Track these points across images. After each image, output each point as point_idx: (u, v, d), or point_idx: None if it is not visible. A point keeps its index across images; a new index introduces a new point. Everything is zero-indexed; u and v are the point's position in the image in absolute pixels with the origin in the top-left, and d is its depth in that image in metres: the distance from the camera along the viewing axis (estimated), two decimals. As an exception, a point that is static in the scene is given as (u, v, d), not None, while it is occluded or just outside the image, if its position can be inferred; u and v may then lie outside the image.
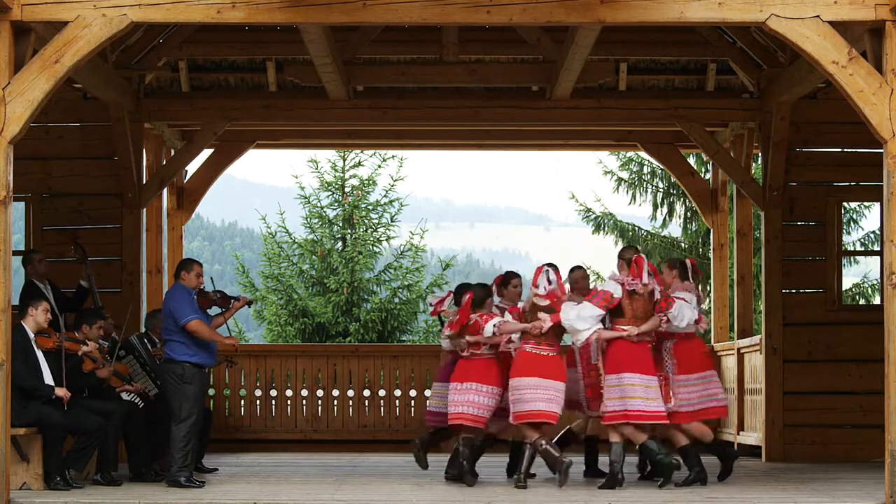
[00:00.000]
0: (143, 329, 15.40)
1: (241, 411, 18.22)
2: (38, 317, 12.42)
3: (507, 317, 12.71)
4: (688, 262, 13.20)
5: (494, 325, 12.60)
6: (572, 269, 13.73)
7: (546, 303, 12.50)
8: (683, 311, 12.68)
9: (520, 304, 12.93)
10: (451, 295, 13.36)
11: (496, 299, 13.27)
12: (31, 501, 11.19)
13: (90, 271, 14.87)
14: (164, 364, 12.75)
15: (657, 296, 12.68)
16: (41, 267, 14.43)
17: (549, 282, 12.54)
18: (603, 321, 12.57)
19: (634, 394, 12.43)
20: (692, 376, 12.87)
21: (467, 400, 12.72)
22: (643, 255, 12.82)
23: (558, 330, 12.50)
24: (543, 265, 12.75)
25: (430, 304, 13.64)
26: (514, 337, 12.63)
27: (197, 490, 12.16)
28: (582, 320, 12.35)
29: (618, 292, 12.52)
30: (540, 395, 12.36)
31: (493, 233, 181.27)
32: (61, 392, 12.21)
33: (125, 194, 16.24)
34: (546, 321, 12.38)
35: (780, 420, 16.21)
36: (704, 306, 13.83)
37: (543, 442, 12.41)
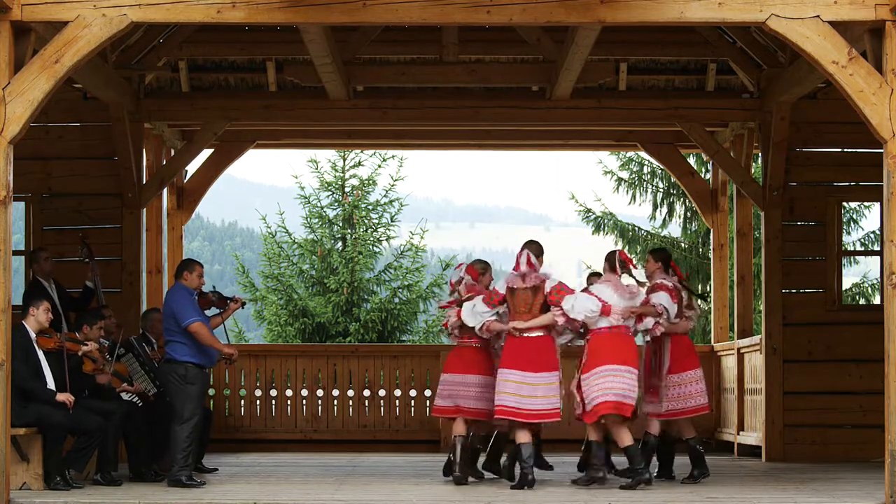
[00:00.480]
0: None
1: (241, 411, 18.22)
2: (39, 316, 12.41)
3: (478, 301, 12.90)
4: (618, 253, 12.91)
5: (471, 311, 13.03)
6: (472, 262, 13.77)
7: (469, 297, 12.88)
8: (583, 304, 12.49)
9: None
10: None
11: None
12: (31, 501, 11.19)
13: (96, 272, 14.85)
14: (165, 364, 12.75)
15: (548, 288, 12.54)
16: (47, 265, 14.43)
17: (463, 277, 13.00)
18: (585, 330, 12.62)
19: (517, 391, 12.45)
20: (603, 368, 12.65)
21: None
22: (527, 248, 12.72)
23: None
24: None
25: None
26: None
27: (197, 490, 12.16)
28: (472, 316, 12.73)
29: (503, 289, 12.65)
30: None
31: (493, 233, 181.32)
32: (63, 397, 12.20)
33: (125, 194, 16.24)
34: (451, 317, 12.90)
35: (780, 420, 16.21)
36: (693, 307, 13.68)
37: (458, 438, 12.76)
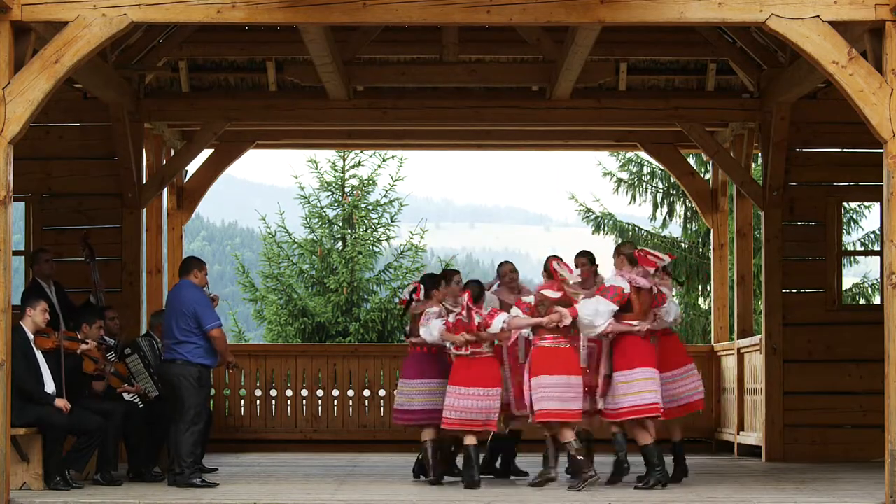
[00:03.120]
0: (144, 329, 15.43)
1: (241, 411, 18.22)
2: (36, 317, 12.41)
3: (515, 311, 12.65)
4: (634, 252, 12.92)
5: (504, 321, 12.56)
6: (501, 264, 13.72)
7: (559, 295, 12.47)
8: (671, 307, 12.69)
9: (526, 299, 12.82)
10: (421, 287, 13.29)
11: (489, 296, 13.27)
12: (31, 501, 11.19)
13: (99, 283, 14.76)
14: (178, 366, 12.60)
15: (654, 291, 12.63)
16: (46, 267, 14.39)
17: (571, 272, 12.59)
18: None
19: (647, 388, 12.40)
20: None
21: (476, 406, 12.66)
22: (644, 250, 12.75)
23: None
24: (551, 258, 12.73)
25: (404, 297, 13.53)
26: (525, 332, 12.63)
27: (197, 490, 12.17)
28: (599, 315, 12.34)
29: (627, 288, 12.47)
30: (562, 394, 12.37)
31: (493, 233, 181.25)
32: (61, 403, 12.20)
33: (125, 194, 16.24)
34: (566, 314, 12.33)
35: (780, 420, 16.21)
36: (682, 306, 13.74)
37: (576, 446, 12.41)
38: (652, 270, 12.68)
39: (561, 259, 12.73)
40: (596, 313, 12.31)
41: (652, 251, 12.87)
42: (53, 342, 12.45)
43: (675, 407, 12.94)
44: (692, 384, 13.04)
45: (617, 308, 12.39)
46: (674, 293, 12.98)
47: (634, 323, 12.46)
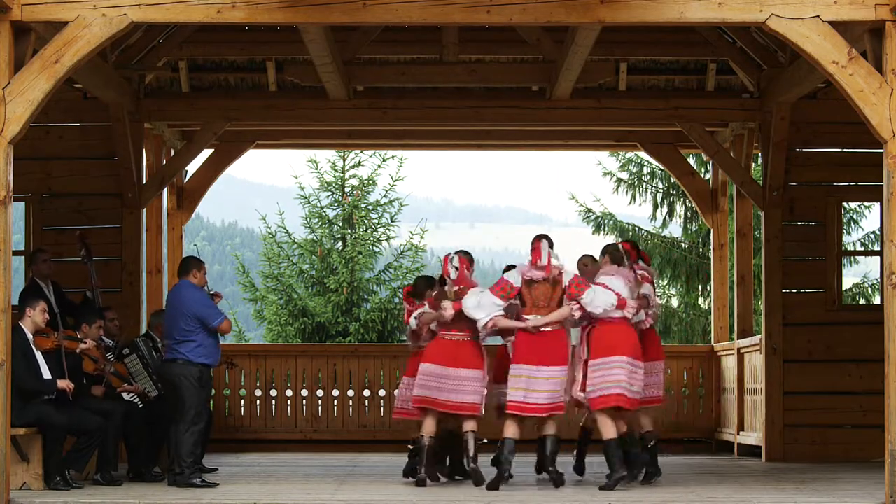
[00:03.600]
0: (144, 329, 15.41)
1: (241, 411, 18.22)
2: (35, 317, 12.41)
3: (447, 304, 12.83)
4: (621, 245, 12.93)
5: (415, 317, 12.94)
6: (581, 257, 13.62)
7: (456, 289, 12.68)
8: (602, 298, 12.43)
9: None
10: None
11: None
12: (31, 501, 11.19)
13: (96, 283, 14.77)
14: (179, 366, 12.58)
15: (566, 281, 12.47)
16: (44, 267, 14.39)
17: (456, 268, 12.71)
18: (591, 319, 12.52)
19: (527, 385, 12.40)
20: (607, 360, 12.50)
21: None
22: (544, 240, 12.61)
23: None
24: (450, 253, 12.86)
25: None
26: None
27: (197, 490, 12.16)
28: (480, 308, 12.48)
29: (517, 282, 12.51)
30: (443, 385, 12.52)
31: (493, 233, 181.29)
32: (63, 384, 12.20)
33: (125, 194, 16.23)
34: (447, 308, 12.58)
35: (780, 420, 16.20)
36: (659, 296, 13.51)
37: (424, 438, 12.60)
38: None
39: (465, 254, 12.91)
40: (476, 307, 12.47)
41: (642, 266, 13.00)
42: (53, 342, 12.45)
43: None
44: (654, 380, 13.00)
45: (502, 303, 12.46)
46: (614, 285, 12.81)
47: (528, 318, 12.47)
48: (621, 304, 12.43)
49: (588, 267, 13.23)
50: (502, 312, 12.51)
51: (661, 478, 13.20)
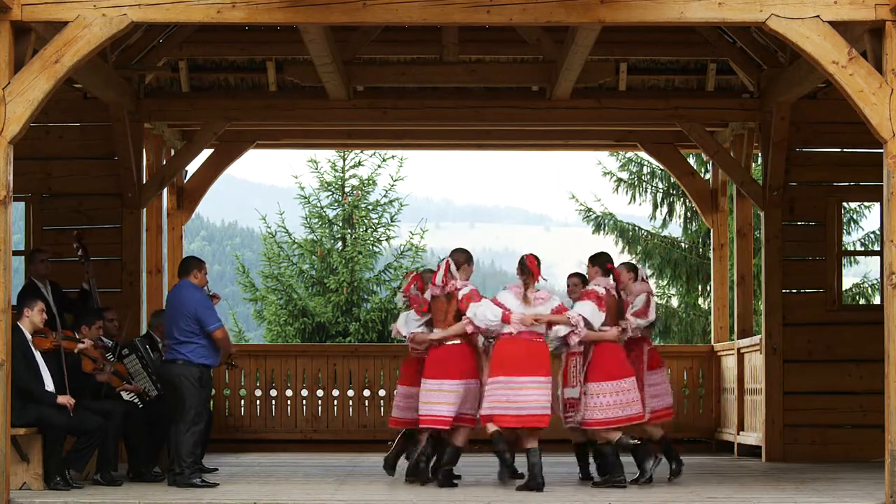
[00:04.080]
0: (144, 329, 15.41)
1: (241, 411, 18.22)
2: (33, 317, 12.41)
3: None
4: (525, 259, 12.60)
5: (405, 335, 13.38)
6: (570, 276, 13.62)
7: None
8: (482, 313, 12.36)
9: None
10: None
11: None
12: (31, 501, 11.19)
13: (92, 273, 14.82)
14: (179, 366, 12.57)
15: (460, 296, 12.52)
16: (42, 267, 14.40)
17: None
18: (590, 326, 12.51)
19: (427, 399, 12.53)
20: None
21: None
22: (452, 255, 12.75)
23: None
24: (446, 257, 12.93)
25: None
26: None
27: (197, 490, 12.17)
28: (405, 325, 13.01)
29: (429, 297, 12.81)
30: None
31: (493, 233, 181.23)
32: (64, 400, 12.19)
33: (125, 194, 16.24)
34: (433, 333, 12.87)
35: (780, 420, 16.21)
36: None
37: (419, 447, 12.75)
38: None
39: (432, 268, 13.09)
40: (403, 324, 13.00)
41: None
42: (52, 342, 12.44)
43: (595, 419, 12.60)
44: (658, 391, 13.07)
45: (418, 318, 12.85)
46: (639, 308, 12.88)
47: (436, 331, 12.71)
48: (505, 319, 12.29)
49: (579, 287, 13.14)
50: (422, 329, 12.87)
51: (662, 478, 13.18)
